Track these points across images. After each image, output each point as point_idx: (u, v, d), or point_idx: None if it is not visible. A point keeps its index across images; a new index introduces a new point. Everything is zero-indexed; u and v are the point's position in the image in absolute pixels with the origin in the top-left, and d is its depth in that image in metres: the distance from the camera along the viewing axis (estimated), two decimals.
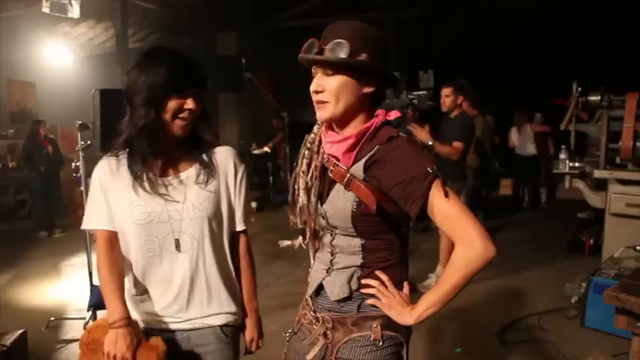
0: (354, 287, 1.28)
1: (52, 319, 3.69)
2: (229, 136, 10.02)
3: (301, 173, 1.33)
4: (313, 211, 1.30)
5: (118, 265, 1.44)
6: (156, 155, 1.39)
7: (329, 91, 1.20)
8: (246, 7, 9.33)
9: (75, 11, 6.77)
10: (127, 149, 1.41)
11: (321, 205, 1.29)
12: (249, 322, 1.56)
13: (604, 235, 4.03)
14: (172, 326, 1.43)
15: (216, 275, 1.44)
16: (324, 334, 1.32)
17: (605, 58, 8.06)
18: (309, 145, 1.34)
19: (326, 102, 1.21)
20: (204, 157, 1.44)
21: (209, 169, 1.43)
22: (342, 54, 1.16)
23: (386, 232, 1.25)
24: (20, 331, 2.86)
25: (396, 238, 1.28)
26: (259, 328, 1.59)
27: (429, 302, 1.20)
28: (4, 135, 8.37)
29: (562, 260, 5.06)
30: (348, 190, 1.22)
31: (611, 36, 8.13)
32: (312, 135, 1.35)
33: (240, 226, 1.52)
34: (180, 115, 1.34)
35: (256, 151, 8.98)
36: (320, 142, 1.34)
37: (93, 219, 1.44)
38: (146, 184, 1.37)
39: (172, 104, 1.32)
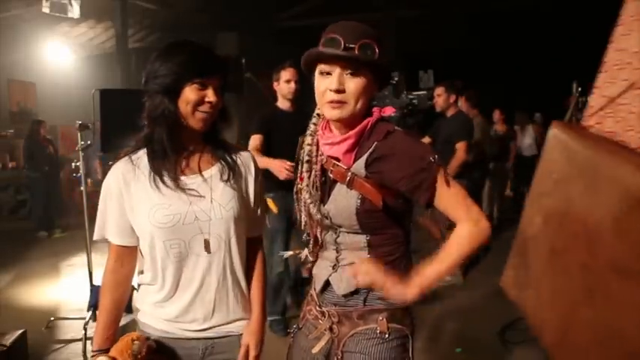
0: None
1: (52, 319, 3.69)
2: (229, 136, 10.01)
3: (305, 187, 1.33)
4: (315, 213, 1.30)
5: (122, 287, 1.40)
6: (176, 151, 1.34)
7: (351, 91, 1.19)
8: (246, 7, 9.34)
9: (75, 11, 6.77)
10: (145, 148, 1.35)
11: (323, 205, 1.30)
12: (254, 337, 1.41)
13: None
14: (196, 334, 1.37)
15: (240, 279, 1.40)
16: (330, 328, 1.33)
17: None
18: (307, 157, 1.33)
19: (345, 102, 1.19)
20: (226, 156, 1.40)
21: (232, 168, 1.39)
22: (373, 55, 1.17)
23: (390, 226, 1.27)
24: (20, 331, 2.86)
25: (400, 232, 1.30)
26: (262, 344, 1.45)
27: (430, 275, 1.22)
28: (4, 135, 8.37)
29: None
30: (351, 189, 1.23)
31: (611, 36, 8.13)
32: (309, 147, 1.33)
33: (257, 231, 1.48)
34: (201, 108, 1.28)
35: None
36: (317, 147, 1.33)
37: (105, 230, 1.38)
38: (169, 182, 1.31)
39: (192, 95, 1.27)
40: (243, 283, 1.42)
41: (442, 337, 3.34)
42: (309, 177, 1.32)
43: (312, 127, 1.34)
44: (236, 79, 7.12)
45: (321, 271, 1.37)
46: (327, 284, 1.34)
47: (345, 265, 1.30)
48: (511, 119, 8.16)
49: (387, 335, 1.27)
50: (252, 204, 1.45)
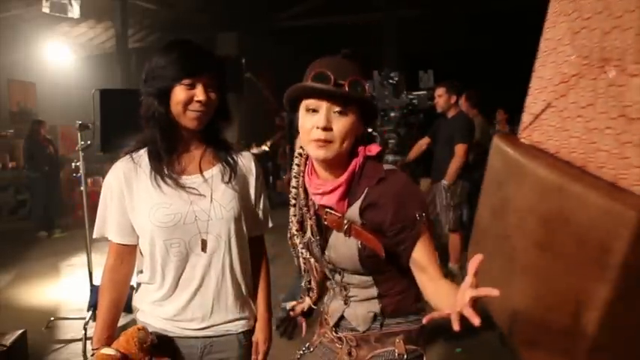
0: (377, 312, 1.29)
1: (52, 319, 3.69)
2: (229, 136, 9.98)
3: (295, 232, 1.30)
4: (314, 260, 1.30)
5: (122, 286, 1.40)
6: (174, 151, 1.34)
7: (339, 130, 1.14)
8: (246, 7, 9.34)
9: (75, 11, 6.78)
10: (146, 148, 1.36)
11: (322, 252, 1.28)
12: (262, 334, 1.47)
13: None
14: (195, 333, 1.37)
15: (240, 278, 1.41)
16: (349, 353, 1.33)
17: None
18: (293, 200, 1.30)
19: (331, 141, 1.15)
20: (228, 157, 1.40)
21: (234, 169, 1.39)
22: (362, 92, 1.14)
23: (395, 262, 1.25)
24: (20, 331, 2.86)
25: (405, 263, 1.27)
26: (270, 341, 1.50)
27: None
28: (4, 135, 8.37)
29: None
30: (349, 237, 1.20)
31: None
32: (294, 189, 1.29)
33: (259, 231, 1.49)
34: (191, 107, 1.28)
35: (255, 151, 8.98)
36: (305, 190, 1.29)
37: (105, 229, 1.39)
38: (169, 181, 1.31)
39: (181, 95, 1.27)
40: (243, 283, 1.42)
41: (442, 337, 3.34)
42: (298, 222, 1.29)
43: (295, 168, 1.30)
44: (236, 79, 7.12)
45: (333, 305, 1.37)
46: (341, 317, 1.35)
47: (357, 302, 1.31)
48: (512, 119, 8.15)
49: (404, 356, 1.28)
50: (253, 204, 1.45)
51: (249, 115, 10.13)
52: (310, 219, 1.27)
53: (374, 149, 1.24)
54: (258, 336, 1.46)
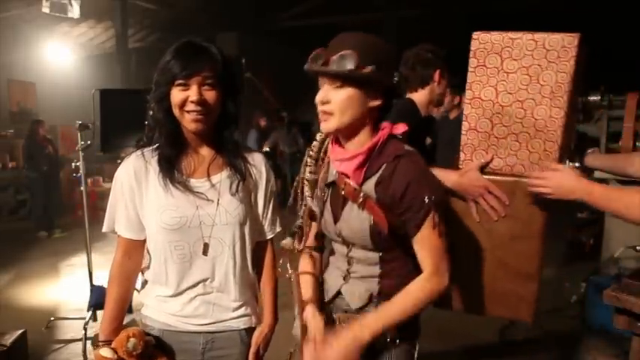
0: (375, 292, 1.30)
1: (52, 319, 3.69)
2: None
3: (307, 195, 1.32)
4: (331, 229, 1.32)
5: (129, 280, 1.42)
6: (182, 155, 1.35)
7: (335, 103, 1.19)
8: (246, 7, 9.35)
9: (75, 11, 6.78)
10: (156, 145, 1.36)
11: (335, 223, 1.30)
12: (264, 336, 1.47)
13: (604, 235, 4.04)
14: (198, 328, 1.39)
15: (244, 282, 1.41)
16: None
17: (605, 58, 8.06)
18: (309, 164, 1.33)
19: (331, 114, 1.20)
20: (237, 161, 1.39)
21: (242, 175, 1.38)
22: (349, 66, 1.15)
23: (403, 243, 1.26)
24: (20, 331, 2.86)
25: (412, 247, 1.29)
26: (269, 342, 1.51)
27: (373, 326, 1.21)
28: (4, 135, 8.36)
29: (562, 260, 5.06)
30: (363, 210, 1.22)
31: (612, 35, 8.14)
32: (312, 154, 1.33)
33: (267, 235, 1.49)
34: (186, 108, 1.26)
35: None
36: (324, 157, 1.33)
37: (115, 223, 1.39)
38: (178, 185, 1.32)
39: (177, 97, 1.26)
40: (246, 286, 1.43)
41: (442, 337, 3.34)
42: (310, 172, 1.33)
43: (315, 143, 1.35)
44: (236, 79, 7.09)
45: (332, 280, 1.38)
46: (338, 293, 1.36)
47: (356, 278, 1.32)
48: None
49: (397, 341, 1.30)
50: (260, 208, 1.45)
51: (250, 115, 10.13)
52: (325, 186, 1.31)
53: (400, 128, 1.27)
54: (259, 340, 1.46)
